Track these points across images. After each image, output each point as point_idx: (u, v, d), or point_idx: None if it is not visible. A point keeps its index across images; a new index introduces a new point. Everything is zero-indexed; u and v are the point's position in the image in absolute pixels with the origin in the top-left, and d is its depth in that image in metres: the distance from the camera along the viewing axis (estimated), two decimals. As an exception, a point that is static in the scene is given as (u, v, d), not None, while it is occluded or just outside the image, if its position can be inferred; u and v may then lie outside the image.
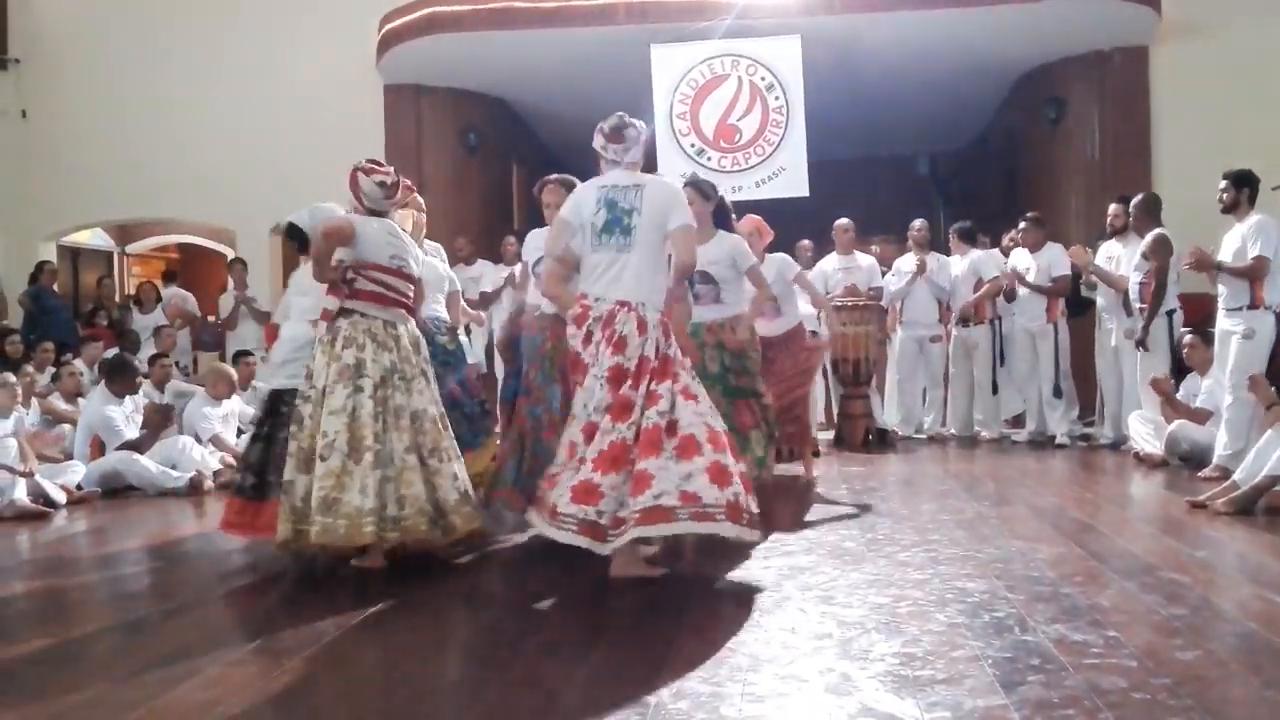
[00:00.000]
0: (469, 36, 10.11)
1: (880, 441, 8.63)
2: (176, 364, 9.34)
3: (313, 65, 11.40)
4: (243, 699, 2.82)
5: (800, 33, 9.85)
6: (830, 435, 8.77)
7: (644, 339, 3.99)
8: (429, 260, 5.25)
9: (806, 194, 9.81)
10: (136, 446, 7.21)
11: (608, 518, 3.85)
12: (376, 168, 4.52)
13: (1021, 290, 8.44)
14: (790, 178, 9.98)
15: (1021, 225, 8.58)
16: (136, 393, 7.69)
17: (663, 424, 3.89)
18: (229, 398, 7.93)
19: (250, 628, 3.63)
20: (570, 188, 5.12)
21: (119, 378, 7.53)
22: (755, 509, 3.98)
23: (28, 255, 11.54)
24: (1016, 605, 3.48)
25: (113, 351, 9.35)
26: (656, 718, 2.56)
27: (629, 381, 3.96)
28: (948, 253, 9.29)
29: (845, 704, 2.62)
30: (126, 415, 7.37)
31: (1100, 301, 8.03)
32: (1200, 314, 7.33)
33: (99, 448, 7.29)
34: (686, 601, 3.71)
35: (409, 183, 5.59)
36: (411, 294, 4.51)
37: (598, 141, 4.22)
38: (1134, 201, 7.62)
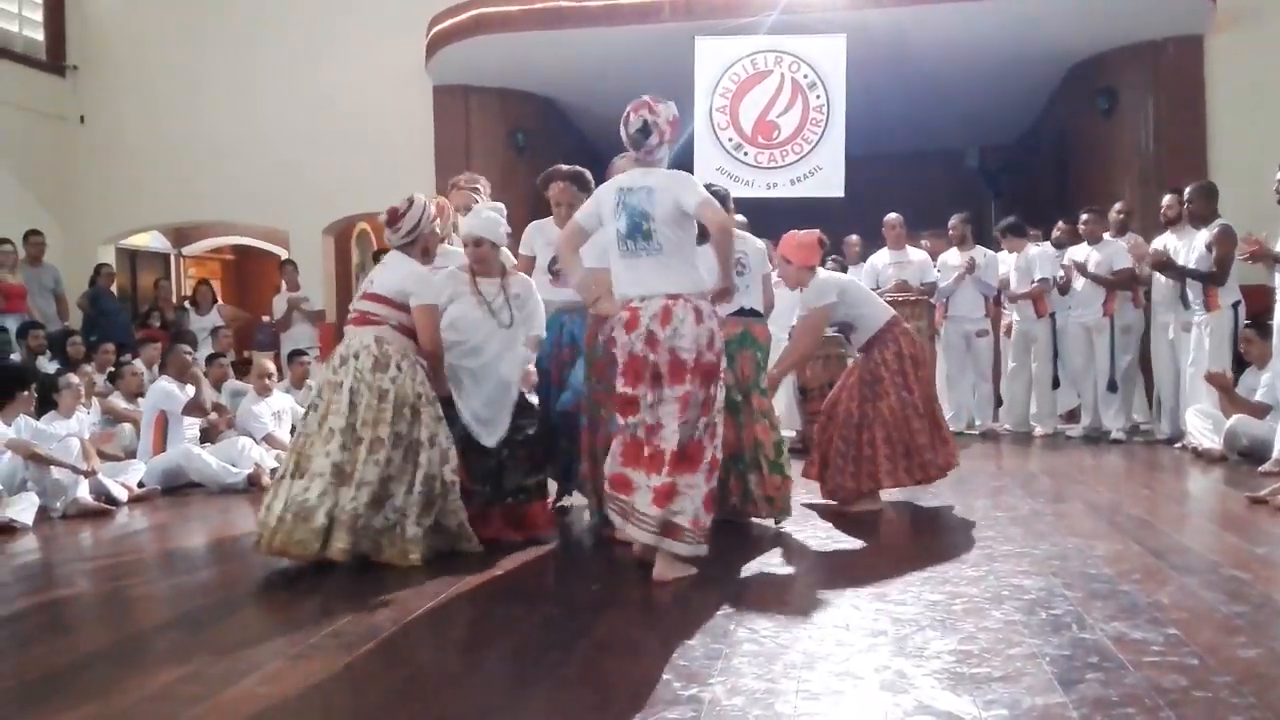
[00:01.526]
0: (517, 37, 10.17)
1: None
2: (233, 364, 9.48)
3: (362, 67, 11.53)
4: (304, 694, 2.86)
5: (848, 27, 9.79)
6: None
7: (699, 330, 3.98)
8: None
9: (841, 195, 9.74)
10: (196, 406, 7.38)
11: (685, 518, 3.96)
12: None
13: (1077, 283, 8.34)
14: (826, 177, 9.91)
15: (1083, 218, 8.47)
16: (189, 376, 7.75)
17: (705, 436, 4.04)
18: (271, 393, 8.04)
19: (309, 623, 3.68)
20: (581, 183, 5.16)
21: (178, 364, 7.69)
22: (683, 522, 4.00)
23: (87, 258, 11.78)
24: (1074, 602, 3.45)
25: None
26: (711, 715, 2.57)
27: (689, 376, 3.98)
28: (996, 248, 9.21)
29: (901, 701, 2.61)
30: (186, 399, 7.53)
31: (1155, 295, 7.91)
32: (1260, 306, 7.21)
33: (162, 437, 7.39)
34: (739, 599, 3.71)
35: (458, 180, 5.59)
36: (364, 308, 4.54)
37: (623, 135, 4.20)
38: (1190, 190, 7.50)
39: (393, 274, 4.56)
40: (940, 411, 5.57)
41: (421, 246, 4.70)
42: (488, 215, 4.91)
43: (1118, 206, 8.55)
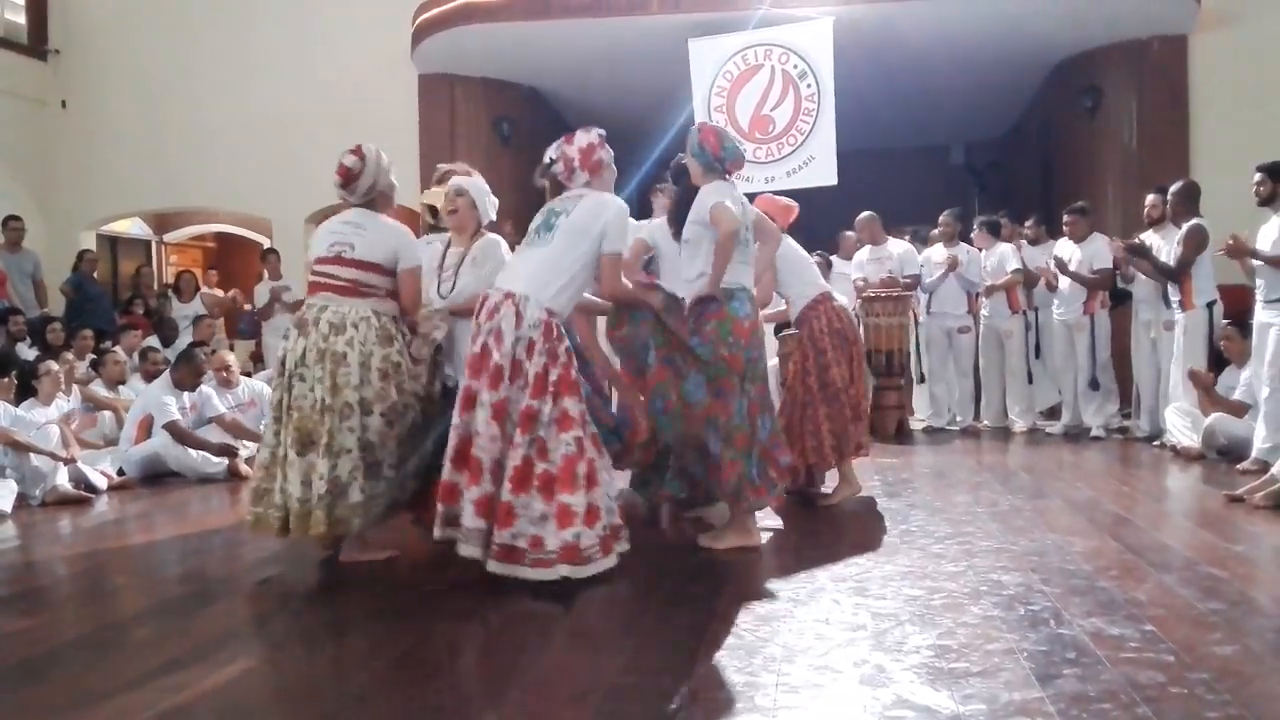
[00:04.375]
0: (503, 26, 10.14)
1: (899, 432, 8.63)
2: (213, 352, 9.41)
3: (347, 55, 11.48)
4: (284, 684, 2.86)
5: (834, 19, 9.80)
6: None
7: (518, 335, 3.88)
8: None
9: (834, 183, 9.75)
10: (182, 433, 7.21)
11: (524, 540, 3.80)
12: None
13: (1063, 281, 8.36)
14: (819, 167, 9.92)
15: (1066, 217, 8.50)
16: (195, 390, 7.54)
17: (532, 453, 3.82)
18: (237, 385, 7.99)
19: (289, 614, 3.68)
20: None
21: (186, 369, 7.47)
22: (600, 535, 3.88)
23: (68, 244, 11.70)
24: (1052, 598, 3.48)
25: (150, 339, 9.47)
26: (691, 707, 2.58)
27: (520, 385, 3.88)
28: (976, 245, 9.25)
29: (880, 695, 2.63)
30: (182, 407, 7.36)
31: (1139, 294, 7.95)
32: (1240, 306, 7.25)
33: (146, 434, 7.31)
34: (718, 592, 3.72)
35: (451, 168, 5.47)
36: (353, 276, 4.27)
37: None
38: (1172, 190, 7.53)
39: (380, 238, 4.31)
40: (864, 391, 5.72)
41: (383, 201, 4.47)
42: (478, 180, 4.89)
43: (1077, 207, 8.52)
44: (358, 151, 4.42)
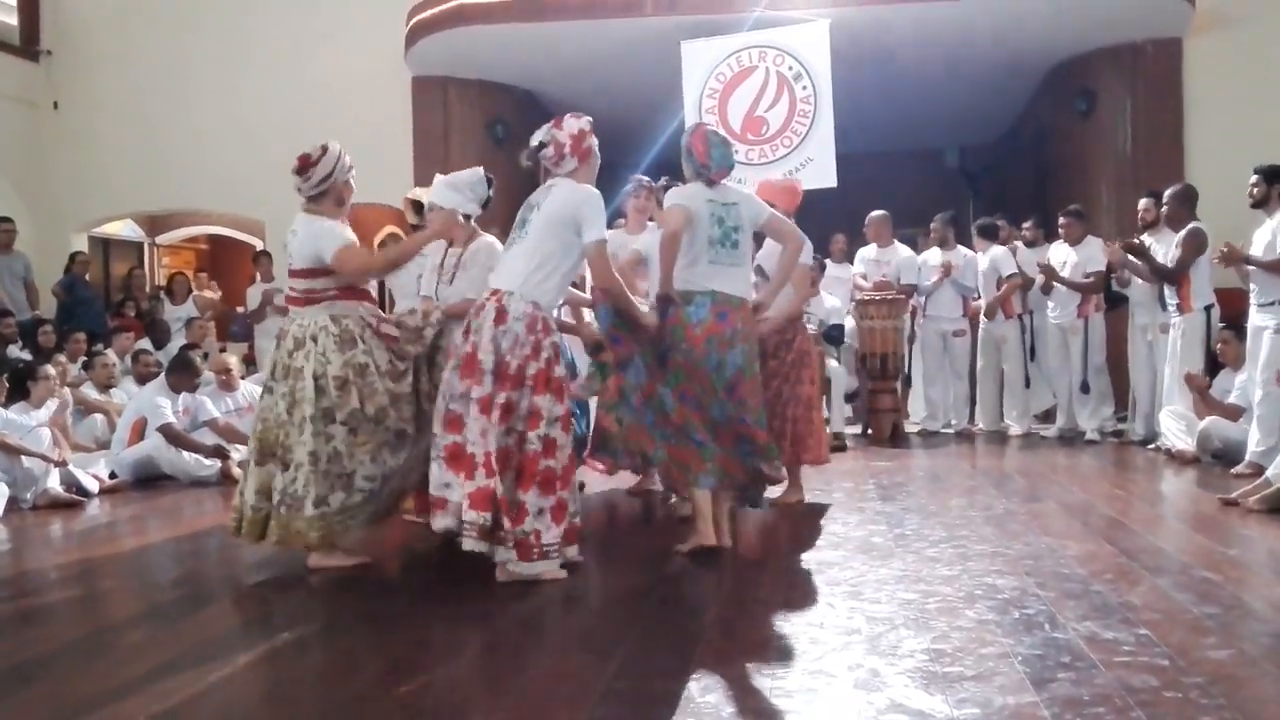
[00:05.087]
0: (497, 28, 10.12)
1: (894, 435, 8.63)
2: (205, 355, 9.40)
3: (341, 56, 11.44)
4: (276, 689, 2.84)
5: (829, 22, 9.79)
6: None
7: (503, 329, 3.93)
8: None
9: (834, 184, 9.71)
10: (176, 435, 7.19)
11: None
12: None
13: (1057, 285, 8.36)
14: (818, 168, 9.85)
15: (1062, 219, 8.50)
16: (193, 392, 7.55)
17: (510, 444, 3.91)
18: (236, 388, 7.96)
19: (281, 618, 3.66)
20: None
21: (182, 373, 7.46)
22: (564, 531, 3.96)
23: (59, 245, 11.64)
24: (1047, 602, 3.47)
25: (142, 342, 9.45)
26: (685, 711, 2.56)
27: (483, 377, 3.91)
28: (974, 248, 9.25)
29: (874, 700, 2.61)
30: (175, 410, 7.32)
31: (1135, 297, 7.94)
32: (1235, 309, 7.25)
33: (138, 436, 7.28)
34: (714, 596, 3.71)
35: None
36: (303, 285, 4.34)
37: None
38: (1169, 193, 7.52)
39: (306, 240, 4.30)
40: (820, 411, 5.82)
41: (334, 198, 4.41)
42: (437, 180, 4.82)
43: (1073, 210, 8.58)
44: (324, 145, 4.43)
